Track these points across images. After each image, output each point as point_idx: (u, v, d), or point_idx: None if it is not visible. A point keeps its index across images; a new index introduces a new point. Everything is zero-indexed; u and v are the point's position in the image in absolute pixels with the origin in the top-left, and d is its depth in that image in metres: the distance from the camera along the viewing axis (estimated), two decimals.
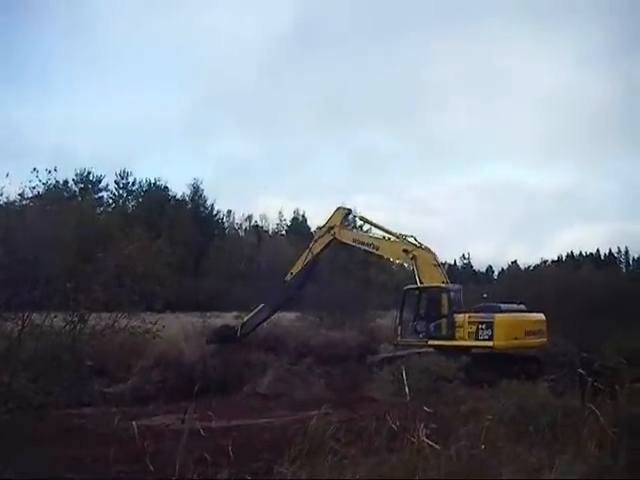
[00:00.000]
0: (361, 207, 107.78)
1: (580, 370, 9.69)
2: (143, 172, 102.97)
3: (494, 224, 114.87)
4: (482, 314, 22.87)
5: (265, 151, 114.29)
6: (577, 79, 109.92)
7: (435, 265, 24.70)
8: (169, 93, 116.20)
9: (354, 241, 26.55)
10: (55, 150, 79.79)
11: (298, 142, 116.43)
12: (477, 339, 22.44)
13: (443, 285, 24.53)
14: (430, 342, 23.46)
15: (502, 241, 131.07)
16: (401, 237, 25.15)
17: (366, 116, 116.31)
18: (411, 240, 24.77)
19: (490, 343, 22.16)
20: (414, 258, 24.25)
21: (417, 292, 24.81)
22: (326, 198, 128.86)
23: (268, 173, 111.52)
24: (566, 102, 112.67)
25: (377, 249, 25.86)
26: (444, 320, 23.66)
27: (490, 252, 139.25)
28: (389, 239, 25.43)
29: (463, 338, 22.79)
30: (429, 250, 24.63)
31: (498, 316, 22.41)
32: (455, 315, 23.14)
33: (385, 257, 28.37)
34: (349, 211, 27.59)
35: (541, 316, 23.11)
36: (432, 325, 24.26)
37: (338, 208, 26.67)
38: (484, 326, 22.51)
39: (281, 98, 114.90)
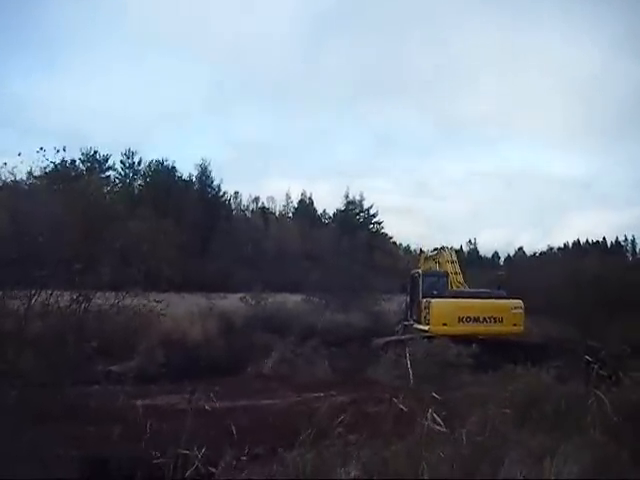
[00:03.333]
0: (371, 191, 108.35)
1: (588, 357, 9.68)
2: (155, 152, 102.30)
3: (506, 210, 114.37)
4: (427, 299, 22.88)
5: (280, 131, 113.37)
6: (602, 66, 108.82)
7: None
8: (186, 71, 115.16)
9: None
10: (66, 128, 79.65)
11: (315, 123, 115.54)
12: (426, 323, 22.50)
13: (421, 270, 24.84)
14: (415, 326, 23.62)
15: (513, 227, 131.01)
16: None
17: (388, 98, 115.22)
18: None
19: (427, 327, 22.18)
20: None
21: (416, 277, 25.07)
22: (338, 181, 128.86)
23: (281, 154, 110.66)
24: (588, 88, 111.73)
25: None
26: (416, 305, 23.92)
27: (501, 238, 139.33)
28: None
29: (422, 322, 22.90)
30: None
31: (434, 301, 22.37)
32: (423, 300, 23.25)
33: None
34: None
35: (503, 303, 22.82)
36: (410, 309, 24.54)
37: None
38: (427, 311, 22.56)
39: (302, 77, 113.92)
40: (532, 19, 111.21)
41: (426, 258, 27.46)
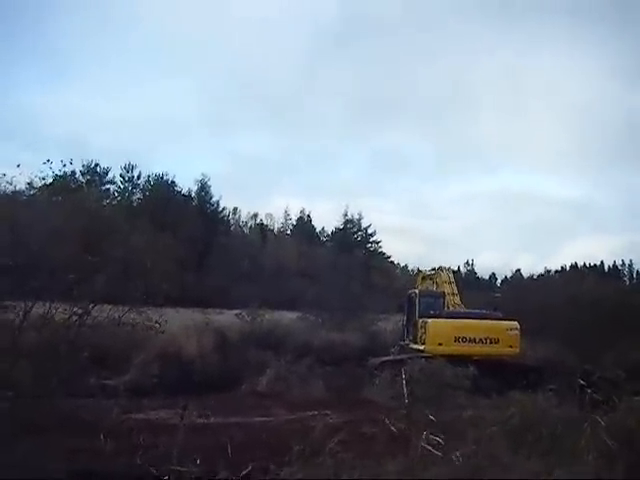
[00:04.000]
0: (370, 210, 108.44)
1: (583, 381, 9.67)
2: (156, 166, 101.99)
3: (504, 232, 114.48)
4: (423, 319, 22.88)
5: (281, 149, 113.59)
6: (598, 93, 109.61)
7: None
8: (189, 86, 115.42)
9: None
10: (66, 140, 79.79)
11: (316, 141, 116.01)
12: (422, 343, 22.47)
13: (418, 290, 24.90)
14: (411, 345, 23.60)
15: (511, 250, 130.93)
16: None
17: (389, 118, 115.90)
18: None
19: (423, 347, 22.16)
20: None
21: (413, 297, 25.11)
22: (337, 199, 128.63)
23: (281, 172, 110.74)
24: (587, 114, 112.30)
25: None
26: (412, 324, 23.93)
27: (498, 260, 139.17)
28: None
29: (418, 342, 22.88)
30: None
31: (430, 321, 22.35)
32: (420, 320, 23.25)
33: None
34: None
35: (499, 324, 22.71)
36: (407, 329, 24.57)
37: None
38: (423, 330, 22.55)
39: (304, 95, 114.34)
40: (532, 48, 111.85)
41: (424, 277, 27.46)
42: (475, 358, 20.96)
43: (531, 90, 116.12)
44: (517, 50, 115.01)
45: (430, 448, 6.52)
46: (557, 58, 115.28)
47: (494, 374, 19.44)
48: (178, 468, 6.03)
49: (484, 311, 24.26)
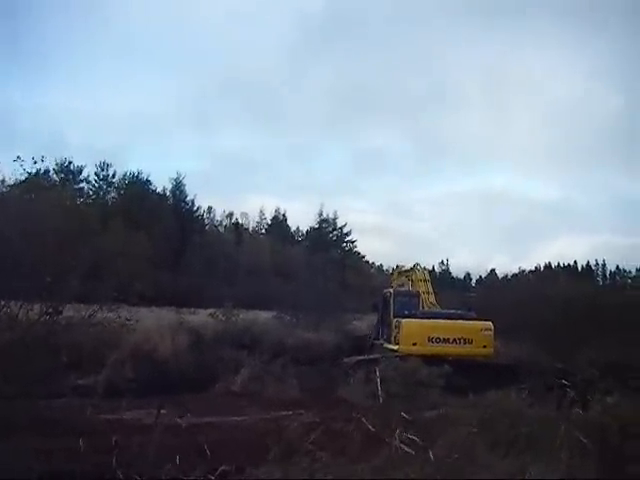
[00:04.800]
0: (347, 209, 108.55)
1: (557, 380, 9.73)
2: (131, 164, 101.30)
3: (480, 232, 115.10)
4: (397, 319, 22.95)
5: (257, 147, 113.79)
6: (580, 94, 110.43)
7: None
8: (165, 83, 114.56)
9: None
10: (40, 138, 79.04)
11: (293, 140, 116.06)
12: (395, 343, 22.54)
13: (393, 290, 24.98)
14: (385, 345, 23.67)
15: (486, 249, 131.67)
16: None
17: (369, 117, 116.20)
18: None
19: (396, 347, 22.25)
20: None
21: (388, 297, 25.17)
22: (312, 198, 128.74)
23: (256, 171, 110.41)
24: (567, 114, 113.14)
25: None
26: (387, 324, 24.01)
27: (473, 260, 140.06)
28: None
29: (392, 342, 22.95)
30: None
31: (404, 321, 22.44)
32: (394, 320, 23.33)
33: None
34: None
35: (473, 324, 22.79)
36: (382, 329, 24.64)
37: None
38: (397, 330, 22.62)
39: (281, 94, 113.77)
40: (514, 47, 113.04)
41: (399, 273, 27.52)
42: (449, 358, 21.05)
43: (512, 90, 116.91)
44: (499, 49, 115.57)
45: (404, 447, 6.51)
46: (539, 58, 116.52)
47: (468, 373, 19.51)
48: (151, 469, 5.99)
49: (458, 311, 24.35)
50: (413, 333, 22.22)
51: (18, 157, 16.04)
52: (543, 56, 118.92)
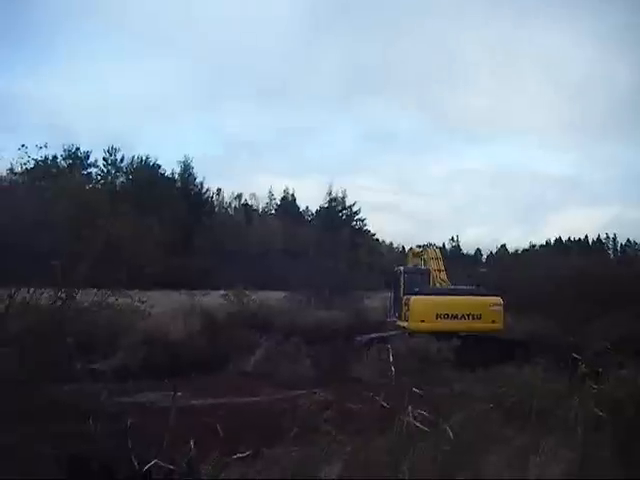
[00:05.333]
0: (356, 188, 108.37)
1: (570, 354, 9.70)
2: (139, 148, 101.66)
3: (491, 208, 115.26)
4: (407, 296, 22.96)
5: (265, 127, 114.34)
6: (590, 66, 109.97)
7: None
8: (173, 65, 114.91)
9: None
10: (48, 124, 79.49)
11: (304, 119, 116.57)
12: (405, 320, 22.58)
13: (403, 267, 25.00)
14: (397, 322, 23.71)
15: (498, 225, 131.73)
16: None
17: (378, 94, 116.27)
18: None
19: (406, 324, 22.28)
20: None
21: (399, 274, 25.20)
22: (322, 178, 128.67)
23: (265, 151, 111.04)
24: (579, 88, 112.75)
25: None
26: (398, 301, 24.04)
27: (485, 235, 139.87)
28: None
29: (403, 319, 22.99)
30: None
31: (413, 298, 22.46)
32: (404, 297, 23.34)
33: None
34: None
35: (482, 300, 22.89)
36: (394, 306, 24.65)
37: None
38: (407, 307, 22.65)
39: (289, 74, 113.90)
40: (525, 19, 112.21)
41: (414, 254, 27.55)
42: (459, 334, 21.10)
43: (523, 64, 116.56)
44: (510, 22, 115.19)
45: (418, 424, 6.52)
46: (550, 31, 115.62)
47: (479, 348, 19.56)
48: (167, 450, 6.02)
49: (467, 287, 24.38)
50: (421, 310, 22.29)
51: (23, 145, 16.03)
52: (554, 29, 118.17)
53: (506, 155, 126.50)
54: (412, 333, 21.15)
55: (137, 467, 5.89)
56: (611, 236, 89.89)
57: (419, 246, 27.23)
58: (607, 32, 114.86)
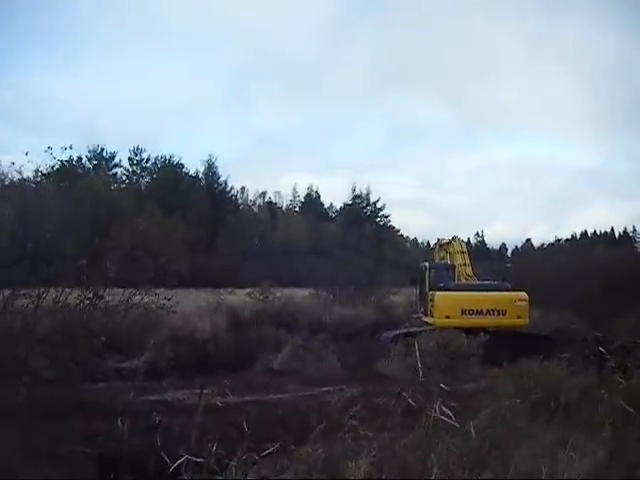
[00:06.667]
0: (381, 184, 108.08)
1: (600, 349, 9.66)
2: (164, 148, 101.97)
3: (518, 202, 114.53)
4: (432, 292, 22.88)
5: (289, 125, 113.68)
6: (621, 59, 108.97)
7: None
8: (197, 63, 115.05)
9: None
10: (73, 125, 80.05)
11: (329, 116, 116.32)
12: (431, 316, 22.52)
13: (428, 263, 24.91)
14: (423, 318, 23.66)
15: (525, 219, 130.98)
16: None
17: (405, 90, 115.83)
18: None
19: (431, 320, 22.21)
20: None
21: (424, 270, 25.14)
22: (346, 174, 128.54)
23: (289, 149, 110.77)
24: (605, 81, 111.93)
25: None
26: (424, 297, 23.98)
27: (510, 230, 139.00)
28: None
29: (428, 315, 22.94)
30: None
31: (438, 294, 22.38)
32: (429, 292, 23.28)
33: None
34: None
35: (507, 295, 22.72)
36: (419, 302, 24.59)
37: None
38: (432, 303, 22.58)
39: (313, 71, 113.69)
40: (553, 14, 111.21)
41: (440, 247, 27.49)
42: (484, 330, 21.03)
43: (550, 58, 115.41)
44: (537, 17, 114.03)
45: (445, 419, 6.51)
46: (576, 26, 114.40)
47: (506, 344, 19.46)
48: (195, 448, 6.06)
49: (493, 282, 24.28)
50: (446, 306, 22.25)
51: (49, 147, 16.14)
52: (581, 23, 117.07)
53: (531, 149, 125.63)
54: (439, 328, 21.11)
55: (168, 463, 5.91)
56: (638, 229, 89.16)
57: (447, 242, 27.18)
58: (633, 24, 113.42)
